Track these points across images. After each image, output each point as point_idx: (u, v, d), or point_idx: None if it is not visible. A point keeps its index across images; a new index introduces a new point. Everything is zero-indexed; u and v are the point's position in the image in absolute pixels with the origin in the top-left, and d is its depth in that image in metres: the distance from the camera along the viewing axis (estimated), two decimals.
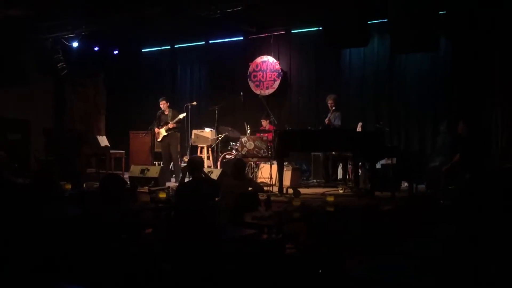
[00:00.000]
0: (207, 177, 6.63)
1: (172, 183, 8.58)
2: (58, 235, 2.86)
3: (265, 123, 9.33)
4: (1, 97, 10.29)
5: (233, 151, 9.21)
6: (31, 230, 2.70)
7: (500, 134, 7.72)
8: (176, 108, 9.59)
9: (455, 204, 5.50)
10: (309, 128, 8.71)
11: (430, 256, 3.03)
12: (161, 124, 9.37)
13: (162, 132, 9.30)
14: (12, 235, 2.61)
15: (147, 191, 7.34)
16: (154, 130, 9.53)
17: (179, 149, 9.63)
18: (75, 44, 10.38)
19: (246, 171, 7.40)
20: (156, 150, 10.22)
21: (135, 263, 2.79)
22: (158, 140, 9.52)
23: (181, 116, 9.26)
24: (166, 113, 9.38)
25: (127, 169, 9.73)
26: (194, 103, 9.81)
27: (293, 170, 8.50)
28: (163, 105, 9.41)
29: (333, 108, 8.39)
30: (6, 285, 2.28)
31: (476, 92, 8.15)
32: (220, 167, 8.86)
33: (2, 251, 2.53)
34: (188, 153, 9.83)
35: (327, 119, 8.36)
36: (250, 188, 5.76)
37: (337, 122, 8.33)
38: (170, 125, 9.20)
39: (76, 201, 4.88)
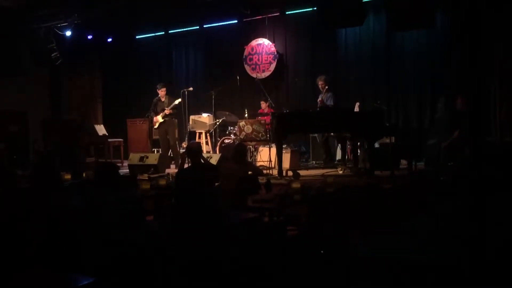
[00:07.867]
0: (206, 162, 6.63)
1: (172, 170, 8.58)
2: (64, 227, 2.86)
3: (264, 106, 9.31)
4: None
5: (231, 135, 9.19)
6: (38, 223, 2.70)
7: (498, 108, 7.71)
8: (172, 94, 9.54)
9: (455, 180, 5.52)
10: (310, 110, 8.64)
11: (431, 233, 3.05)
12: (158, 111, 9.32)
13: (159, 119, 9.26)
14: (18, 229, 2.62)
15: (147, 178, 7.35)
16: (152, 118, 9.45)
17: (177, 135, 9.59)
18: (68, 33, 10.28)
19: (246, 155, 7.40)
20: (154, 137, 10.19)
21: (139, 251, 2.80)
22: (155, 127, 9.47)
23: (177, 101, 9.21)
24: (162, 99, 9.32)
25: (126, 157, 9.73)
26: (191, 88, 9.74)
27: (292, 153, 8.50)
28: (162, 92, 9.33)
29: (325, 88, 8.33)
30: (15, 280, 2.28)
31: (474, 67, 8.12)
32: (219, 152, 8.86)
33: (10, 245, 2.54)
34: (186, 139, 9.82)
35: (319, 99, 8.31)
36: (250, 172, 5.77)
37: (330, 103, 8.26)
38: (167, 111, 9.16)
39: (76, 191, 4.88)
